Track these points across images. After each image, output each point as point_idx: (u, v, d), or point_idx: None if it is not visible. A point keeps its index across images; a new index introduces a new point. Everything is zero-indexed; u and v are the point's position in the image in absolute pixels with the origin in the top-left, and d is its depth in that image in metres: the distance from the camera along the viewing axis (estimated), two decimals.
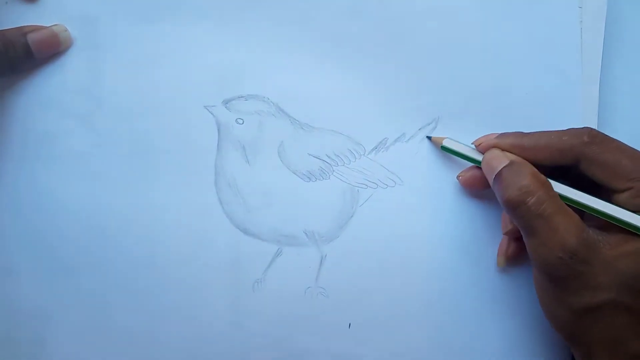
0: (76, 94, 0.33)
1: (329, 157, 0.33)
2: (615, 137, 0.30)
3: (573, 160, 0.27)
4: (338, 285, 0.33)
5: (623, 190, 0.26)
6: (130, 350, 0.33)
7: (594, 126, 0.33)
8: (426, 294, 0.33)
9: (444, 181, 0.33)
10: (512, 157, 0.29)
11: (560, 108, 0.33)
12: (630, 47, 0.34)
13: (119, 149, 0.33)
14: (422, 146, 0.33)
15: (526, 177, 0.27)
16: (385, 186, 0.33)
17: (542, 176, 0.27)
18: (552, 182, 0.28)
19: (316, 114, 0.33)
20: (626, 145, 0.27)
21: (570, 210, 0.26)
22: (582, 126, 0.32)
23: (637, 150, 0.27)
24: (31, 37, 0.31)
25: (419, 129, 0.33)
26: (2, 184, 0.33)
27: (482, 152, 0.30)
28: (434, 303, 0.33)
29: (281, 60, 0.33)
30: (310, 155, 0.33)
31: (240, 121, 0.33)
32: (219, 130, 0.33)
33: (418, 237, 0.33)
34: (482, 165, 0.30)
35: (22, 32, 0.31)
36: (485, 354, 0.33)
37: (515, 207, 0.27)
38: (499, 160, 0.29)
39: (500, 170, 0.28)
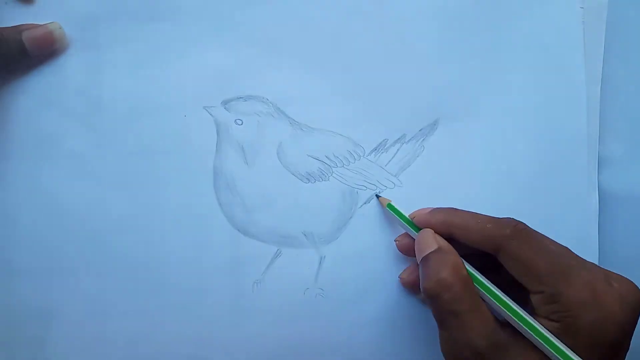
0: (76, 94, 0.33)
1: (328, 158, 0.33)
2: (616, 137, 0.30)
3: (494, 250, 0.27)
4: (337, 286, 0.33)
5: (535, 293, 0.25)
6: (130, 351, 0.33)
7: (596, 127, 0.33)
8: None
9: (443, 182, 0.33)
10: (442, 243, 0.28)
11: (562, 108, 0.33)
12: (632, 47, 0.34)
13: (118, 149, 0.33)
14: (422, 147, 0.33)
15: (446, 269, 0.26)
16: (385, 187, 0.33)
17: (464, 270, 0.27)
18: (477, 274, 0.27)
19: (315, 115, 0.33)
20: (550, 242, 0.26)
21: (486, 309, 0.26)
22: (584, 127, 0.33)
23: (560, 249, 0.26)
24: (26, 35, 0.31)
25: (419, 130, 0.33)
26: (2, 184, 0.33)
27: (417, 227, 0.30)
28: None
29: (280, 61, 0.33)
30: (309, 156, 0.33)
31: (240, 122, 0.32)
32: (218, 130, 0.33)
33: None
34: (415, 244, 0.29)
35: (18, 30, 0.31)
36: None
37: (430, 298, 0.27)
38: (428, 244, 0.28)
39: (426, 255, 0.28)
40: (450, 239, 0.28)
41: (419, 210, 0.31)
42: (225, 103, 0.32)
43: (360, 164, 0.33)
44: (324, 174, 0.33)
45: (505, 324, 0.26)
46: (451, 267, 0.26)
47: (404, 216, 0.31)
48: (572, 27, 0.32)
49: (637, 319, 0.25)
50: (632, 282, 0.26)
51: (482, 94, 0.33)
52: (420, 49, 0.33)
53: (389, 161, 0.33)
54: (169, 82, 0.33)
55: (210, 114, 0.32)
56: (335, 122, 0.33)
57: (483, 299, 0.26)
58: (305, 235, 0.33)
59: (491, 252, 0.27)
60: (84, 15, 0.32)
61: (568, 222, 0.33)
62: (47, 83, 0.32)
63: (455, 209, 0.29)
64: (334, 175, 0.33)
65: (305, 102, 0.33)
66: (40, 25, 0.31)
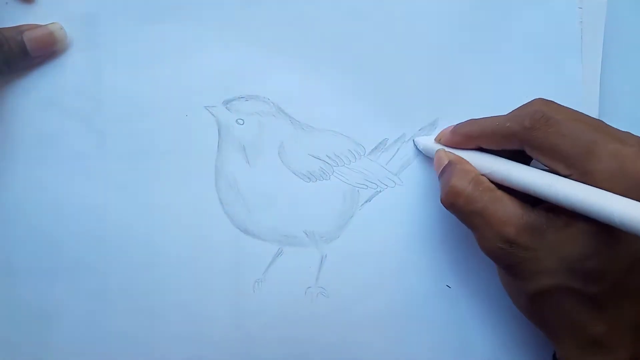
0: (76, 94, 0.32)
1: (329, 157, 0.33)
2: None
3: (519, 146, 0.27)
4: (338, 285, 0.33)
5: (567, 177, 0.25)
6: (130, 351, 0.33)
7: None
8: (426, 294, 0.33)
9: None
10: (452, 156, 0.29)
11: None
12: (630, 47, 0.34)
13: (119, 149, 0.33)
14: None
15: (454, 177, 0.27)
16: (385, 187, 0.33)
17: (472, 173, 0.27)
18: (498, 163, 0.27)
19: (316, 115, 0.33)
20: (573, 120, 0.25)
21: (509, 197, 0.26)
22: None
23: (584, 124, 0.25)
24: (27, 35, 0.31)
25: (419, 129, 0.33)
26: (2, 184, 0.33)
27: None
28: (434, 303, 0.33)
29: (281, 61, 0.33)
30: (310, 155, 0.33)
31: (241, 122, 0.32)
32: (219, 130, 0.33)
33: (418, 238, 0.33)
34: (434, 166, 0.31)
35: (19, 30, 0.31)
36: (485, 352, 0.33)
37: (448, 208, 0.28)
38: (440, 161, 0.29)
39: (441, 171, 0.29)
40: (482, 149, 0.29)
41: (442, 131, 0.31)
42: (226, 103, 0.33)
43: (361, 163, 0.33)
44: (325, 173, 0.33)
45: (537, 206, 0.26)
46: (459, 173, 0.27)
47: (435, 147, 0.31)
48: (570, 27, 0.33)
49: None
50: None
51: (481, 94, 0.33)
52: (420, 49, 0.33)
53: (390, 160, 0.33)
54: (170, 82, 0.33)
55: (212, 114, 0.33)
56: (336, 122, 0.33)
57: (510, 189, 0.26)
58: (306, 234, 0.33)
59: (519, 148, 0.27)
60: (84, 15, 0.32)
61: None
62: (47, 83, 0.32)
63: (475, 119, 0.30)
64: (335, 174, 0.33)
65: (306, 102, 0.33)
66: (41, 25, 0.31)
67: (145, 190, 0.33)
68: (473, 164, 0.28)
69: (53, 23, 0.32)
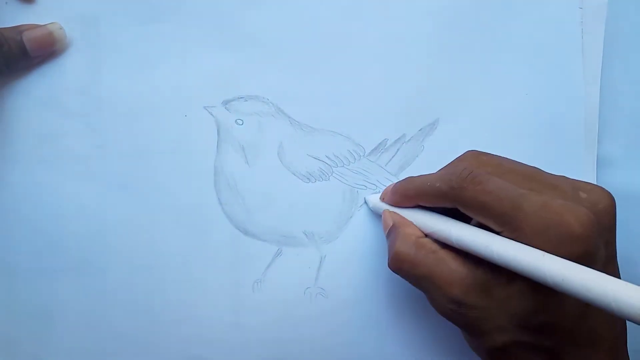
0: (76, 94, 0.32)
1: (328, 158, 0.33)
2: (615, 138, 0.30)
3: (452, 205, 0.26)
4: (337, 286, 0.33)
5: (499, 234, 0.24)
6: (130, 350, 0.33)
7: (595, 127, 0.33)
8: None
9: None
10: (396, 218, 0.29)
11: (561, 108, 0.33)
12: (631, 48, 0.34)
13: (119, 149, 0.33)
14: (422, 147, 0.33)
15: (398, 242, 0.27)
16: (384, 187, 0.33)
17: (412, 237, 0.27)
18: (439, 223, 0.27)
19: (316, 115, 0.33)
20: (498, 179, 0.24)
21: (453, 257, 0.25)
22: (582, 127, 0.32)
23: (510, 181, 0.24)
24: (26, 36, 0.31)
25: (419, 130, 0.33)
26: (2, 184, 0.33)
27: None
28: None
29: (281, 61, 0.33)
30: (309, 156, 0.33)
31: (240, 122, 0.32)
32: (218, 131, 0.33)
33: None
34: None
35: (18, 30, 0.31)
36: None
37: (396, 272, 0.27)
38: (386, 223, 0.29)
39: (387, 234, 0.29)
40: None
41: (385, 189, 0.31)
42: (225, 103, 0.33)
43: (360, 163, 0.33)
44: (324, 174, 0.33)
45: (482, 264, 0.25)
46: (402, 237, 0.27)
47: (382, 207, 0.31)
48: (571, 27, 0.32)
49: (611, 226, 0.24)
50: (603, 189, 0.25)
51: (481, 94, 0.33)
52: (420, 49, 0.33)
53: (389, 161, 0.33)
54: (169, 82, 0.33)
55: (211, 114, 0.33)
56: (336, 122, 0.33)
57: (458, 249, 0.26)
58: (305, 234, 0.33)
59: (452, 207, 0.26)
60: (84, 15, 0.32)
61: None
62: (47, 83, 0.32)
63: (412, 178, 0.29)
64: (334, 175, 0.33)
65: (305, 102, 0.33)
66: (41, 25, 0.31)
67: (144, 190, 0.33)
68: (416, 224, 0.28)
69: (52, 23, 0.32)
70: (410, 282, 0.27)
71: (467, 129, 0.33)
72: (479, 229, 0.25)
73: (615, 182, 0.34)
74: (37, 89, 0.32)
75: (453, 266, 0.25)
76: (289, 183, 0.33)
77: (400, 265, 0.27)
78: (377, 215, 0.32)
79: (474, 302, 0.24)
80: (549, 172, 0.26)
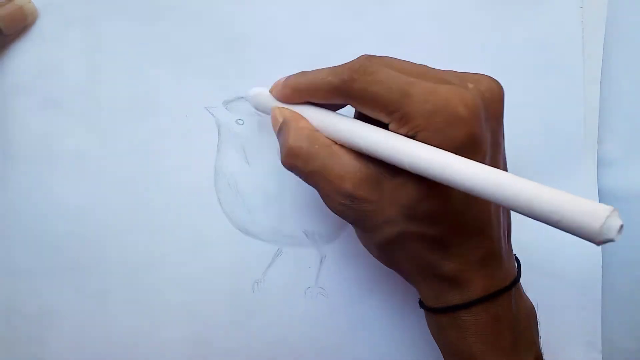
0: (76, 93, 0.32)
1: None
2: (615, 137, 0.30)
3: (343, 100, 0.26)
4: (338, 286, 0.33)
5: (390, 124, 0.24)
6: (130, 351, 0.33)
7: (595, 127, 0.33)
8: None
9: None
10: (286, 113, 0.28)
11: (561, 108, 0.33)
12: (631, 47, 0.34)
13: (118, 149, 0.33)
14: None
15: (290, 138, 0.26)
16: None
17: (307, 130, 0.26)
18: (329, 118, 0.26)
19: None
20: (388, 70, 0.24)
21: (346, 151, 0.25)
22: (582, 127, 0.32)
23: (399, 73, 0.24)
24: None
25: None
26: (2, 184, 0.33)
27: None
28: None
29: (281, 61, 0.33)
30: None
31: (241, 122, 0.32)
32: (219, 131, 0.33)
33: None
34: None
35: None
36: None
37: (290, 169, 0.27)
38: (276, 120, 0.28)
39: (277, 131, 0.28)
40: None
41: (275, 82, 0.29)
42: (226, 103, 0.33)
43: None
44: None
45: (373, 158, 0.25)
46: (294, 132, 0.26)
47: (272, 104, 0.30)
48: (571, 26, 0.32)
49: (498, 115, 0.24)
50: (491, 78, 0.25)
51: None
52: (420, 49, 0.33)
53: None
54: (169, 83, 0.33)
55: (212, 114, 0.32)
56: None
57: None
58: (306, 234, 0.33)
59: (344, 102, 0.26)
60: (83, 15, 0.32)
61: None
62: (47, 83, 0.32)
63: (305, 72, 0.28)
64: None
65: None
66: (8, 2, 0.31)
67: (144, 191, 0.33)
68: (309, 120, 0.27)
69: None
70: (304, 179, 0.27)
71: None
72: (367, 124, 0.25)
73: (616, 182, 0.34)
74: (37, 89, 0.32)
75: (346, 160, 0.25)
76: (289, 183, 0.32)
77: (294, 161, 0.26)
78: (261, 111, 0.31)
79: (365, 196, 0.25)
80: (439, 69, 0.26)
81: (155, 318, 0.33)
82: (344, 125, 0.25)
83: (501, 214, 0.26)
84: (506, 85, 0.33)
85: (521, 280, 0.27)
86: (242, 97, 0.33)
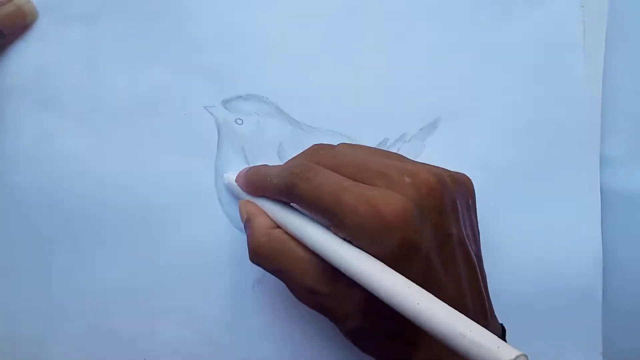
0: (76, 93, 0.32)
1: None
2: (617, 137, 0.30)
3: (289, 201, 0.26)
4: None
5: (328, 228, 0.25)
6: (130, 350, 0.33)
7: (597, 127, 0.33)
8: None
9: None
10: (249, 209, 0.29)
11: (563, 108, 0.33)
12: (632, 46, 0.34)
13: (118, 149, 0.33)
14: (423, 147, 0.33)
15: (251, 237, 0.27)
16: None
17: (265, 228, 0.27)
18: (286, 216, 0.27)
19: (315, 114, 0.33)
20: (325, 173, 0.24)
21: (303, 248, 0.26)
22: (585, 126, 0.32)
23: (335, 175, 0.24)
24: None
25: (420, 129, 0.33)
26: (2, 184, 0.33)
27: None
28: None
29: (281, 60, 0.32)
30: None
31: (240, 121, 0.32)
32: (218, 130, 0.33)
33: None
34: None
35: None
36: None
37: (257, 265, 0.27)
38: (241, 215, 0.29)
39: (244, 226, 0.29)
40: None
41: (239, 172, 0.30)
42: (225, 102, 0.32)
43: None
44: None
45: None
46: (255, 230, 0.27)
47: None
48: (572, 26, 0.32)
49: (438, 206, 0.24)
50: (429, 169, 0.25)
51: (482, 94, 0.33)
52: (420, 49, 0.33)
53: None
54: (168, 82, 0.33)
55: (211, 114, 0.32)
56: (336, 122, 0.33)
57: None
58: None
59: (291, 202, 0.27)
60: (83, 15, 0.32)
61: (570, 222, 0.33)
62: (47, 83, 0.32)
63: (258, 167, 0.29)
64: None
65: (305, 102, 0.33)
66: (7, 2, 0.31)
67: (144, 190, 0.33)
68: (269, 213, 0.28)
69: None
70: (271, 273, 0.27)
71: (468, 129, 0.33)
72: (314, 223, 0.25)
73: (618, 182, 0.34)
74: (36, 89, 0.32)
75: (305, 256, 0.26)
76: None
77: (257, 260, 0.27)
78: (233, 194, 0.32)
79: (324, 290, 0.25)
80: (386, 156, 0.26)
81: (154, 318, 0.33)
82: (295, 222, 0.26)
83: (476, 291, 0.25)
84: (507, 85, 0.33)
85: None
86: (241, 97, 0.33)
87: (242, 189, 0.30)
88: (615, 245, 0.33)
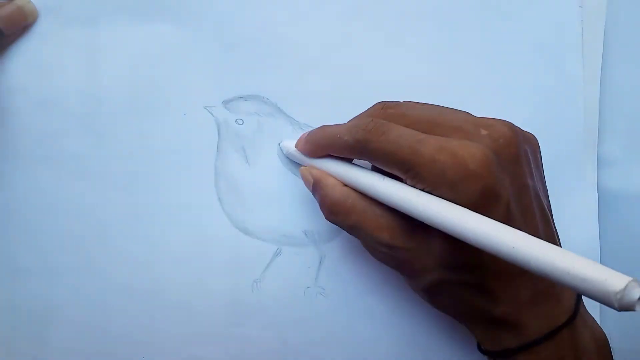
0: (76, 94, 0.32)
1: None
2: (615, 137, 0.30)
3: (361, 157, 0.27)
4: (337, 285, 0.33)
5: (404, 182, 0.25)
6: (130, 350, 0.33)
7: (595, 127, 0.33)
8: None
9: None
10: (315, 174, 0.29)
11: (561, 108, 0.33)
12: (631, 47, 0.34)
13: (118, 149, 0.33)
14: None
15: (327, 197, 0.27)
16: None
17: (337, 188, 0.27)
18: (351, 173, 0.27)
19: (316, 114, 0.33)
20: (399, 127, 0.24)
21: (377, 204, 0.26)
22: (582, 126, 0.32)
23: (410, 128, 0.24)
24: None
25: None
26: (2, 184, 0.33)
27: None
28: None
29: (281, 61, 0.33)
30: None
31: (240, 121, 0.32)
32: (218, 130, 0.33)
33: None
34: None
35: None
36: None
37: (334, 223, 0.28)
38: (307, 181, 0.29)
39: (312, 191, 0.29)
40: None
41: (300, 137, 0.30)
42: (226, 103, 0.33)
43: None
44: None
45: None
46: (331, 189, 0.27)
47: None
48: (570, 26, 0.32)
49: (515, 158, 0.24)
50: (504, 122, 0.25)
51: (480, 94, 0.33)
52: (419, 49, 0.33)
53: None
54: (169, 82, 0.33)
55: (211, 114, 0.33)
56: (335, 122, 0.32)
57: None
58: (305, 234, 0.33)
59: (361, 159, 0.27)
60: (83, 15, 0.32)
61: (568, 222, 0.33)
62: (47, 83, 0.32)
63: (325, 127, 0.29)
64: None
65: (305, 102, 0.33)
66: (8, 2, 0.31)
67: (144, 190, 0.33)
68: (337, 175, 0.28)
69: None
70: (347, 231, 0.28)
71: None
72: (385, 178, 0.25)
73: (616, 182, 0.34)
74: (37, 89, 0.32)
75: (379, 212, 0.26)
76: (289, 182, 0.32)
77: (335, 217, 0.27)
78: (292, 162, 0.32)
79: (401, 245, 0.25)
80: (455, 111, 0.26)
81: (154, 318, 0.33)
82: (366, 178, 0.26)
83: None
84: (506, 85, 0.33)
85: None
86: (241, 97, 0.33)
87: (304, 153, 0.30)
88: (614, 246, 0.34)
